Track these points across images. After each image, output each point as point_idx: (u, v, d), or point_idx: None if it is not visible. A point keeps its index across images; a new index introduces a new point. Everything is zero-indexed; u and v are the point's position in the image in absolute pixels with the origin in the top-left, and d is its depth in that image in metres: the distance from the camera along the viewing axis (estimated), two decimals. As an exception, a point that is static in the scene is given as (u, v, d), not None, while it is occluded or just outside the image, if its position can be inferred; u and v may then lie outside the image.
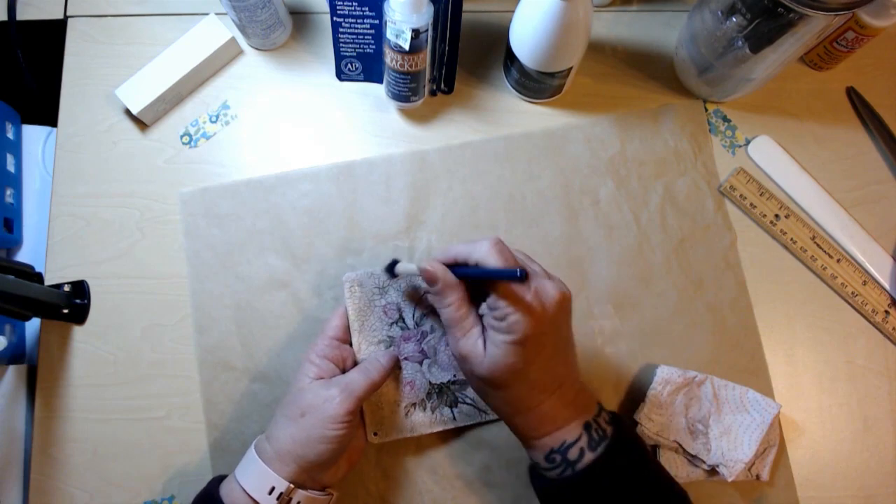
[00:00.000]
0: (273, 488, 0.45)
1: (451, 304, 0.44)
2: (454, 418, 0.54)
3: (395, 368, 0.52)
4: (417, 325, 0.54)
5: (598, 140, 0.63)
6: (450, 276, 0.45)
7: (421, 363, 0.53)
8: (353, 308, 0.53)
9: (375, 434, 0.53)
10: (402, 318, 0.54)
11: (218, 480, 0.48)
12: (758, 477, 0.55)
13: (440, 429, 0.54)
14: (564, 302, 0.43)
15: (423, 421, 0.53)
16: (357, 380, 0.48)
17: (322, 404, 0.46)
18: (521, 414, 0.44)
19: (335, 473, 0.49)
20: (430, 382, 0.54)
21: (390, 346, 0.53)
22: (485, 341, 0.43)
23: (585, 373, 0.58)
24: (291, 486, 0.45)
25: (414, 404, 0.53)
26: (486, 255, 0.43)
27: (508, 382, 0.43)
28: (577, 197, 0.61)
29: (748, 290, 0.60)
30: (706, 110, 0.64)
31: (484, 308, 0.44)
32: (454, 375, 0.54)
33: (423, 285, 0.47)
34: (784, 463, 0.56)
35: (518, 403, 0.44)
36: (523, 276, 0.40)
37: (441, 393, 0.54)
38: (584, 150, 0.62)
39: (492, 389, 0.44)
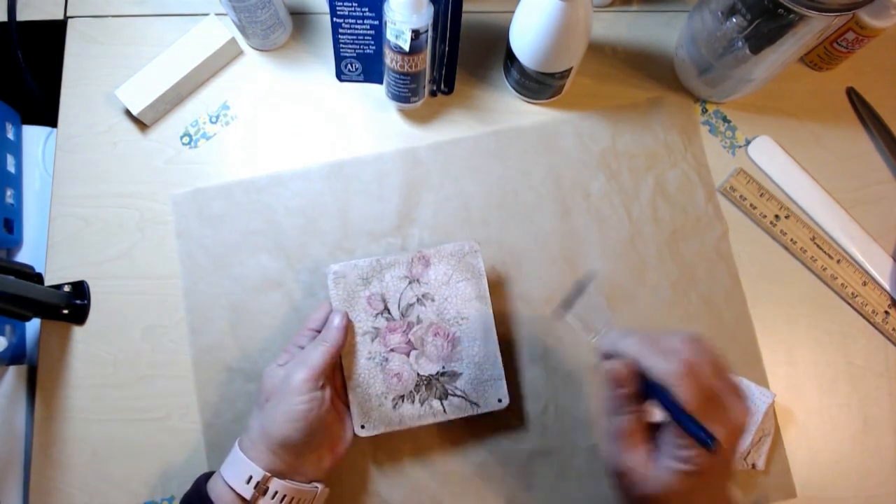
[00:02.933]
0: (250, 477, 0.45)
1: (629, 413, 0.39)
2: (444, 411, 0.53)
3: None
4: (403, 315, 0.53)
5: (589, 134, 0.63)
6: (634, 387, 0.39)
7: (408, 354, 0.53)
8: (338, 299, 0.53)
9: (363, 427, 0.52)
10: (387, 309, 0.53)
11: (206, 477, 0.48)
12: (753, 466, 0.55)
13: (430, 421, 0.52)
14: (742, 430, 0.39)
15: (411, 413, 0.52)
16: (310, 351, 0.49)
17: (281, 384, 0.47)
18: None
19: (317, 464, 0.49)
20: (418, 374, 0.53)
21: (376, 337, 0.53)
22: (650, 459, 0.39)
23: (580, 369, 0.58)
24: (267, 474, 0.45)
25: (402, 396, 0.52)
26: (671, 378, 0.37)
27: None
28: (569, 191, 0.61)
29: (741, 282, 0.60)
30: (706, 111, 0.64)
31: (658, 415, 0.39)
32: (443, 367, 0.53)
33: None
34: (779, 453, 0.56)
35: None
36: (713, 448, 0.35)
37: (430, 385, 0.53)
38: (575, 144, 0.62)
39: None
